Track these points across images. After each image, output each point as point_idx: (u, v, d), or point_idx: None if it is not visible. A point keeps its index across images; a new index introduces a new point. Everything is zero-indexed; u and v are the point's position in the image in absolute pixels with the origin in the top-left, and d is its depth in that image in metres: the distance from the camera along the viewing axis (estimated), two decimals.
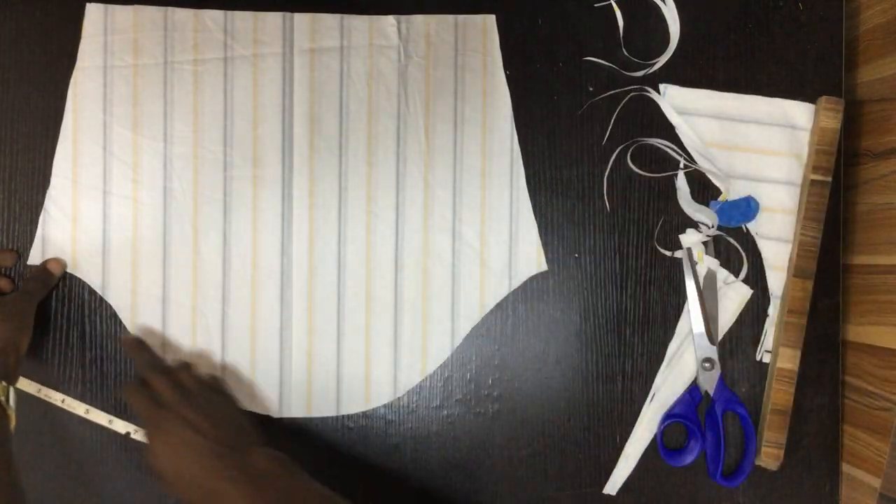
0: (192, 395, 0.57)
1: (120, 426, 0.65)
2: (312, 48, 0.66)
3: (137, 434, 0.65)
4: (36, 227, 0.66)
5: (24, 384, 0.65)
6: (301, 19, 0.66)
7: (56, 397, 0.65)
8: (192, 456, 0.53)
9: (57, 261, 0.65)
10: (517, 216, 0.67)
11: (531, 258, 0.67)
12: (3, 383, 0.55)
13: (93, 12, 0.65)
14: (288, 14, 0.66)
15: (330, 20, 0.66)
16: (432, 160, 0.67)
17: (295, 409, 0.66)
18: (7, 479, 0.51)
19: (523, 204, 0.67)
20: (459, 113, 0.67)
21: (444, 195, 0.67)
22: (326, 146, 0.66)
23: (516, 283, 0.67)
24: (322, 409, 0.66)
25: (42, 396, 0.65)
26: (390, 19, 0.67)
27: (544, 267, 0.67)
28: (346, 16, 0.66)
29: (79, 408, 0.65)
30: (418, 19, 0.67)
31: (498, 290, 0.67)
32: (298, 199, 0.66)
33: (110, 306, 0.66)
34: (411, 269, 0.66)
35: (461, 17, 0.67)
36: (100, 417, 0.65)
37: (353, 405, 0.66)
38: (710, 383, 0.66)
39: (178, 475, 0.53)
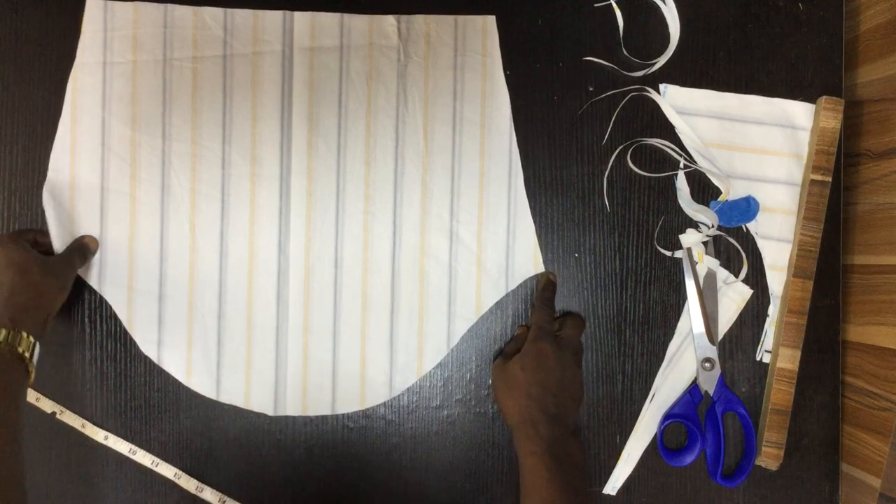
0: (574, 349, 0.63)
1: (47, 405, 0.65)
2: (312, 47, 0.66)
3: (63, 415, 0.65)
4: (37, 223, 0.66)
5: None
6: (301, 18, 0.66)
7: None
8: (510, 398, 0.60)
9: (92, 238, 0.65)
10: (515, 217, 0.67)
11: (528, 260, 0.67)
12: (31, 338, 0.56)
13: (92, 8, 0.65)
14: (288, 13, 0.66)
15: (330, 19, 0.66)
16: (430, 161, 0.67)
17: (290, 407, 0.66)
18: (16, 434, 0.52)
19: (521, 205, 0.67)
20: (458, 113, 0.67)
21: (442, 195, 0.67)
22: (325, 145, 0.66)
23: (513, 284, 0.67)
24: (318, 408, 0.66)
25: None
26: (390, 19, 0.67)
27: (542, 268, 0.67)
28: (345, 15, 0.66)
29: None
30: (418, 19, 0.67)
31: (495, 291, 0.67)
32: (296, 197, 0.66)
33: (111, 306, 0.66)
34: (408, 269, 0.66)
35: (461, 17, 0.67)
36: (28, 395, 0.65)
37: (349, 404, 0.66)
38: (710, 383, 0.66)
39: (501, 406, 0.62)
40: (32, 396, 0.65)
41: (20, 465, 0.51)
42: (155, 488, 0.66)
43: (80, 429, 0.65)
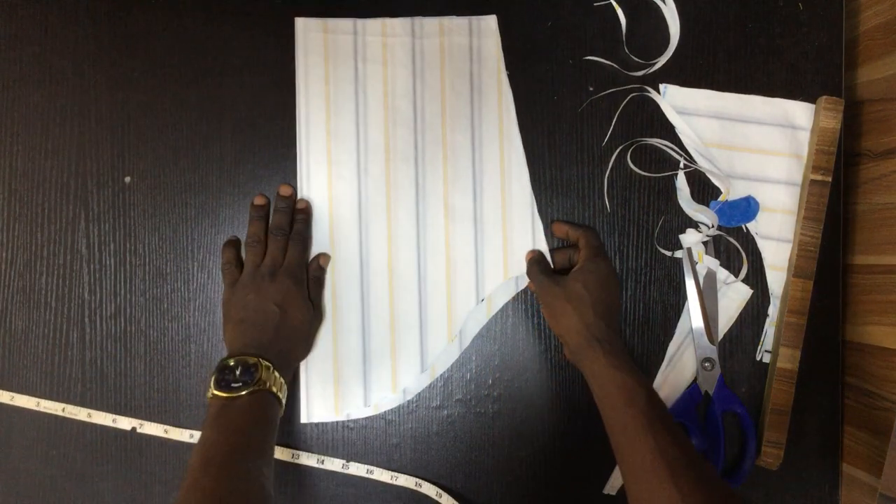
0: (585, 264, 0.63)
1: (125, 423, 0.65)
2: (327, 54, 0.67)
3: (143, 427, 0.65)
4: (36, 224, 0.66)
5: (24, 401, 0.65)
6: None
7: (56, 407, 0.66)
8: (575, 314, 0.60)
9: (326, 256, 0.66)
10: (534, 223, 0.67)
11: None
12: (283, 380, 0.57)
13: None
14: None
15: (344, 24, 0.67)
16: (453, 176, 0.66)
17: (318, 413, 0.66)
18: (268, 469, 0.54)
19: (534, 209, 0.67)
20: (476, 114, 0.66)
21: (464, 207, 0.66)
22: (346, 154, 0.66)
23: (523, 283, 0.67)
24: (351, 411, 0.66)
25: (42, 409, 0.65)
26: (403, 21, 0.66)
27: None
28: (358, 20, 0.66)
29: (80, 413, 0.65)
30: (432, 21, 0.67)
31: (506, 292, 0.67)
32: (321, 204, 0.67)
33: (110, 306, 0.66)
34: (434, 276, 0.66)
35: (474, 18, 0.67)
36: (104, 419, 0.65)
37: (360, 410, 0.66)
38: (710, 383, 0.66)
39: (559, 323, 0.61)
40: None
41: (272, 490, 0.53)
42: (155, 489, 0.66)
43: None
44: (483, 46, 0.67)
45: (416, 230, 0.66)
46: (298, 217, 0.65)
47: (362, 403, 0.66)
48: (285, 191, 0.66)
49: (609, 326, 0.59)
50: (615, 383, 0.56)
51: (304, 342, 0.63)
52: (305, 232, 0.65)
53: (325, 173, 0.66)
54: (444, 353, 0.66)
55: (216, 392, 0.55)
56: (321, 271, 0.66)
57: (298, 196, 0.66)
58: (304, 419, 0.65)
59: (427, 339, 0.66)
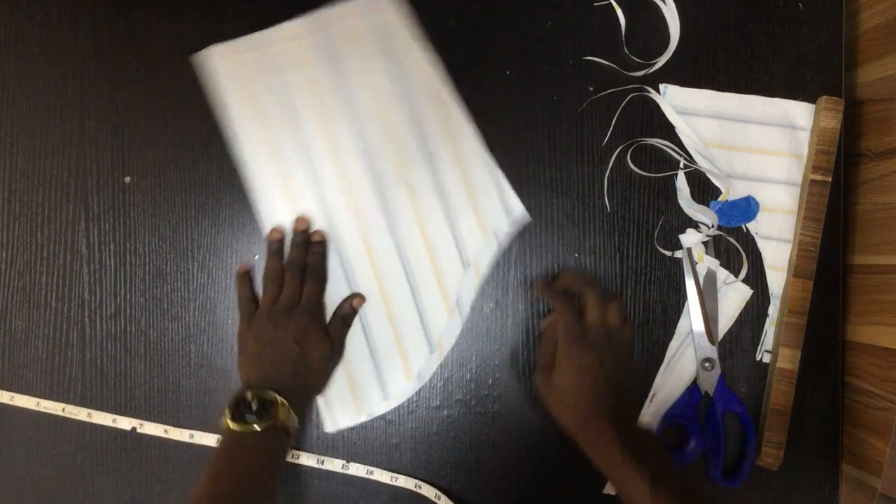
0: (612, 336, 0.60)
1: (125, 423, 0.65)
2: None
3: (143, 427, 0.65)
4: (36, 224, 0.66)
5: (24, 401, 0.65)
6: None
7: (56, 407, 0.65)
8: (585, 382, 0.58)
9: (361, 297, 0.65)
10: (494, 172, 0.66)
11: (503, 209, 0.66)
12: (294, 416, 0.57)
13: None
14: None
15: (250, 40, 0.67)
16: (405, 154, 0.66)
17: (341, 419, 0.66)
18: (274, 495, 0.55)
19: (489, 160, 0.67)
20: (406, 87, 0.66)
21: (423, 178, 0.66)
22: (294, 165, 0.66)
23: (503, 237, 0.66)
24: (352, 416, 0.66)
25: (42, 409, 0.65)
26: (306, 19, 0.66)
27: (527, 217, 0.66)
28: (263, 32, 0.67)
29: (80, 413, 0.65)
30: (330, 10, 0.66)
31: (488, 251, 0.66)
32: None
33: (110, 306, 0.66)
34: (414, 248, 0.66)
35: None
36: (104, 419, 0.65)
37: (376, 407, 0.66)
38: (710, 383, 0.66)
39: (565, 391, 0.59)
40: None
41: None
42: (155, 489, 0.66)
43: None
44: (388, 21, 0.66)
45: (385, 217, 0.66)
46: (315, 250, 0.64)
47: (381, 398, 0.66)
48: (301, 224, 0.65)
49: (606, 416, 0.56)
50: (620, 477, 0.55)
51: (322, 378, 0.63)
52: (322, 266, 0.65)
53: (281, 193, 0.66)
54: (447, 327, 0.66)
55: (230, 424, 0.54)
56: (353, 312, 0.65)
57: (265, 217, 0.66)
58: (328, 429, 0.66)
59: (427, 318, 0.66)
